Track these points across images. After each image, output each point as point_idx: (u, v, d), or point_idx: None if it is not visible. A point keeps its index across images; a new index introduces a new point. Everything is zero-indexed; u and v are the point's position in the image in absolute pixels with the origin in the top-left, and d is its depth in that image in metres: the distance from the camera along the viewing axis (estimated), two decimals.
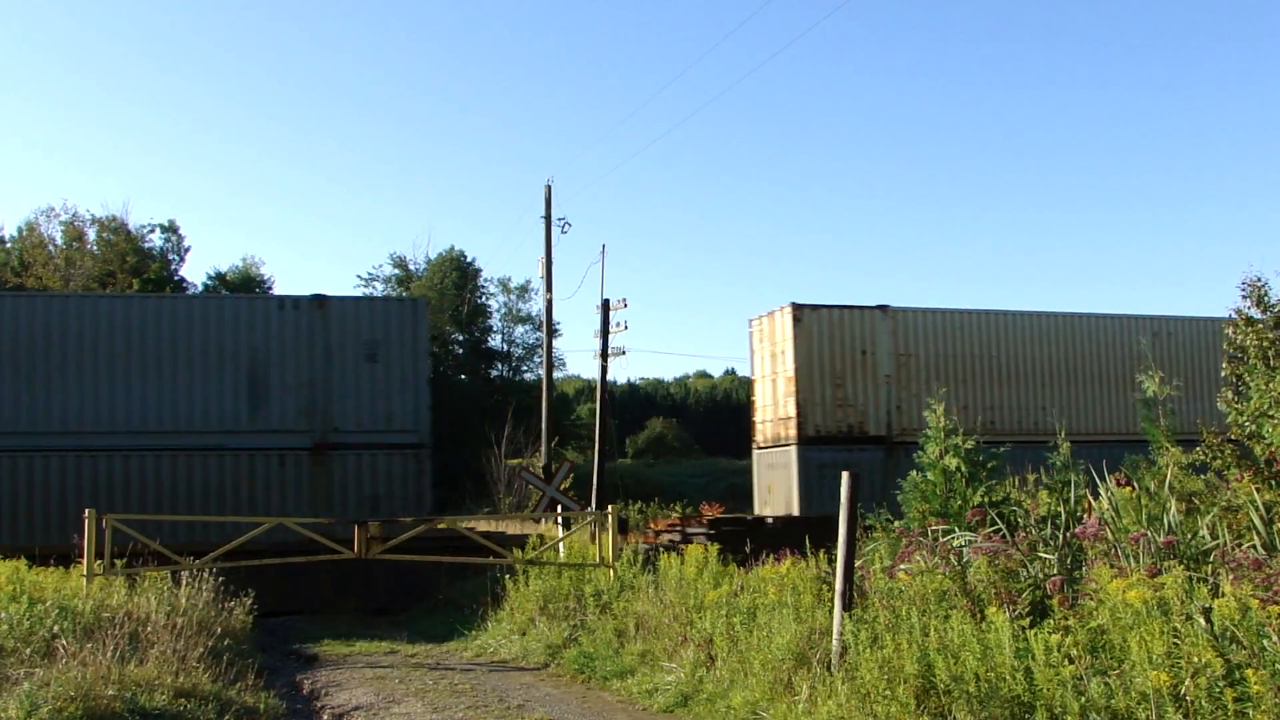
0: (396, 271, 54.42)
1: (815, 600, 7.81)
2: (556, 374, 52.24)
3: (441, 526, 15.65)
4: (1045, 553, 6.80)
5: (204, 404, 17.74)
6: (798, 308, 20.33)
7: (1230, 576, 5.39)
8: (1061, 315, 22.36)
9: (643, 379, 70.19)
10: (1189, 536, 6.67)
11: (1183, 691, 4.74)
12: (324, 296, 18.44)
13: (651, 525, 22.34)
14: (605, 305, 27.13)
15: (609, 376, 28.07)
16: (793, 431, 20.07)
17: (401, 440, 18.21)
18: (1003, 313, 21.95)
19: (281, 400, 18.02)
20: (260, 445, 17.88)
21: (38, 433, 17.23)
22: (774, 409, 20.96)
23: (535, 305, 52.79)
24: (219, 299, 17.80)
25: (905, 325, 21.12)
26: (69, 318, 17.62)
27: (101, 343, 17.56)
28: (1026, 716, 5.31)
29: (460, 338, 52.61)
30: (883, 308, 21.08)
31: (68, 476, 17.17)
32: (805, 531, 10.28)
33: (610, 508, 12.74)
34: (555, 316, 37.68)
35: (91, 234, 41.48)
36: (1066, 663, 5.22)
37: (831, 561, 7.94)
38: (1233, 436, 9.17)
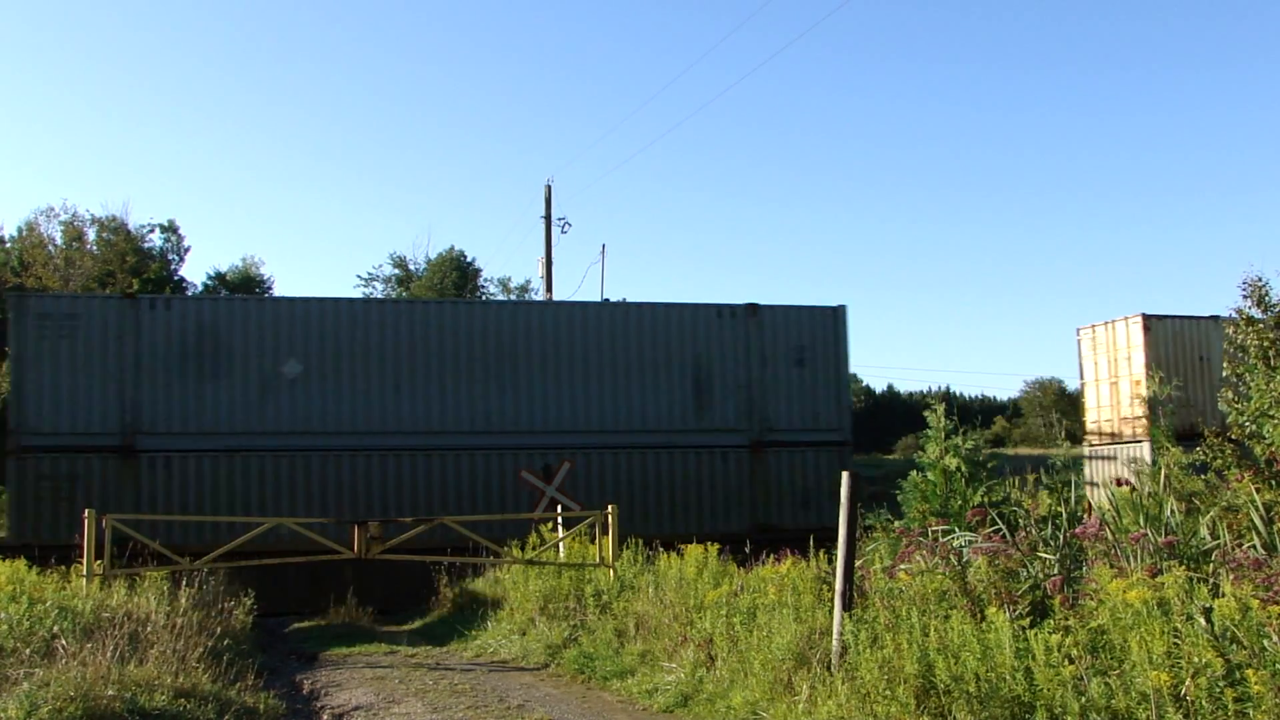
0: (396, 271, 54.37)
1: (815, 600, 7.81)
2: None
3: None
4: (1045, 553, 6.80)
5: (655, 405, 19.11)
6: (1147, 318, 22.42)
7: (1230, 576, 5.39)
8: None
9: None
10: (1189, 536, 6.67)
11: (1183, 691, 4.74)
12: (757, 305, 19.84)
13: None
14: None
15: None
16: (1142, 430, 21.94)
17: (827, 439, 19.61)
18: None
19: (723, 401, 19.43)
20: (705, 443, 19.28)
21: (505, 431, 18.60)
22: (1113, 409, 23.07)
23: None
24: (666, 307, 19.72)
25: None
26: (517, 322, 19.04)
27: (563, 347, 18.93)
28: (1026, 716, 5.31)
29: None
30: (1215, 318, 22.91)
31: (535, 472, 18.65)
32: None
33: (610, 507, 12.73)
34: None
35: (91, 234, 41.41)
36: (1066, 663, 5.22)
37: (831, 561, 7.95)
38: (1233, 436, 9.18)
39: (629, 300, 19.54)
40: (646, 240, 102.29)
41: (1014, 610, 6.02)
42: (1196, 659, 4.75)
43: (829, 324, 19.97)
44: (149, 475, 17.12)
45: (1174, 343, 22.83)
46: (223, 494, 17.26)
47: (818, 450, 19.40)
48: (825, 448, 19.42)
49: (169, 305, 18.00)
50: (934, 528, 8.03)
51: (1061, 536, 6.97)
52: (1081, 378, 24.47)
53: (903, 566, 7.14)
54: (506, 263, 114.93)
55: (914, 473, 9.60)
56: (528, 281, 54.20)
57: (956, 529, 8.04)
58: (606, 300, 19.40)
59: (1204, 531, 6.78)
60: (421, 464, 18.16)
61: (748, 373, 19.45)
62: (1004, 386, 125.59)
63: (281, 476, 17.64)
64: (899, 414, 57.01)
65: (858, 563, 7.60)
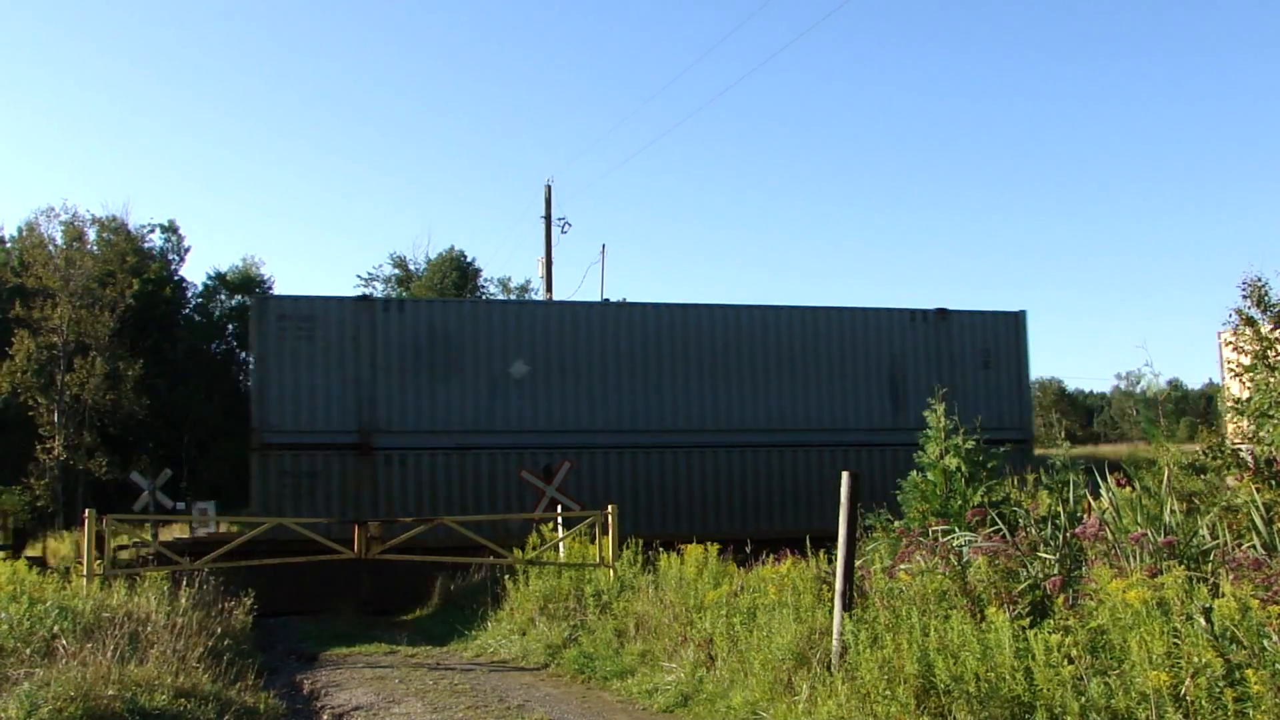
0: (396, 271, 54.39)
1: (815, 600, 7.80)
2: None
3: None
4: (1045, 553, 6.79)
5: (856, 404, 19.99)
6: None
7: (1230, 576, 5.38)
8: None
9: None
10: (1189, 536, 6.67)
11: (1183, 691, 4.73)
12: (946, 310, 20.83)
13: None
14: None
15: None
16: None
17: (1010, 436, 20.27)
18: None
19: (917, 401, 20.78)
20: (901, 441, 20.03)
21: (720, 430, 19.53)
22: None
23: None
24: (864, 312, 21.05)
25: None
26: (729, 325, 19.80)
27: (771, 348, 19.95)
28: (1026, 716, 5.30)
29: None
30: None
31: (758, 467, 19.49)
32: None
33: (610, 507, 12.73)
34: None
35: (91, 234, 41.42)
36: (1066, 663, 5.22)
37: (831, 561, 7.94)
38: (1233, 439, 9.18)
39: (808, 305, 20.75)
40: (646, 240, 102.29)
41: (1014, 610, 6.02)
42: (1196, 659, 4.75)
43: (1011, 328, 21.08)
44: (385, 472, 17.72)
45: None
46: (455, 490, 17.97)
47: (1002, 447, 20.47)
48: (1009, 445, 20.42)
49: (402, 307, 18.87)
50: (934, 528, 8.02)
51: (1061, 536, 6.96)
52: (1223, 379, 25.07)
53: (903, 566, 7.14)
54: (506, 263, 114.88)
55: (914, 473, 9.60)
56: (528, 281, 54.25)
57: (956, 529, 8.02)
58: (812, 306, 20.78)
59: (1204, 531, 6.77)
60: (640, 461, 18.97)
61: (938, 374, 20.35)
62: None
63: (511, 473, 18.28)
64: None
65: (858, 563, 7.59)
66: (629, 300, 20.34)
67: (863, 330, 20.32)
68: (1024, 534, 7.08)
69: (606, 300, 20.52)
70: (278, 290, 50.44)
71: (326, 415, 17.57)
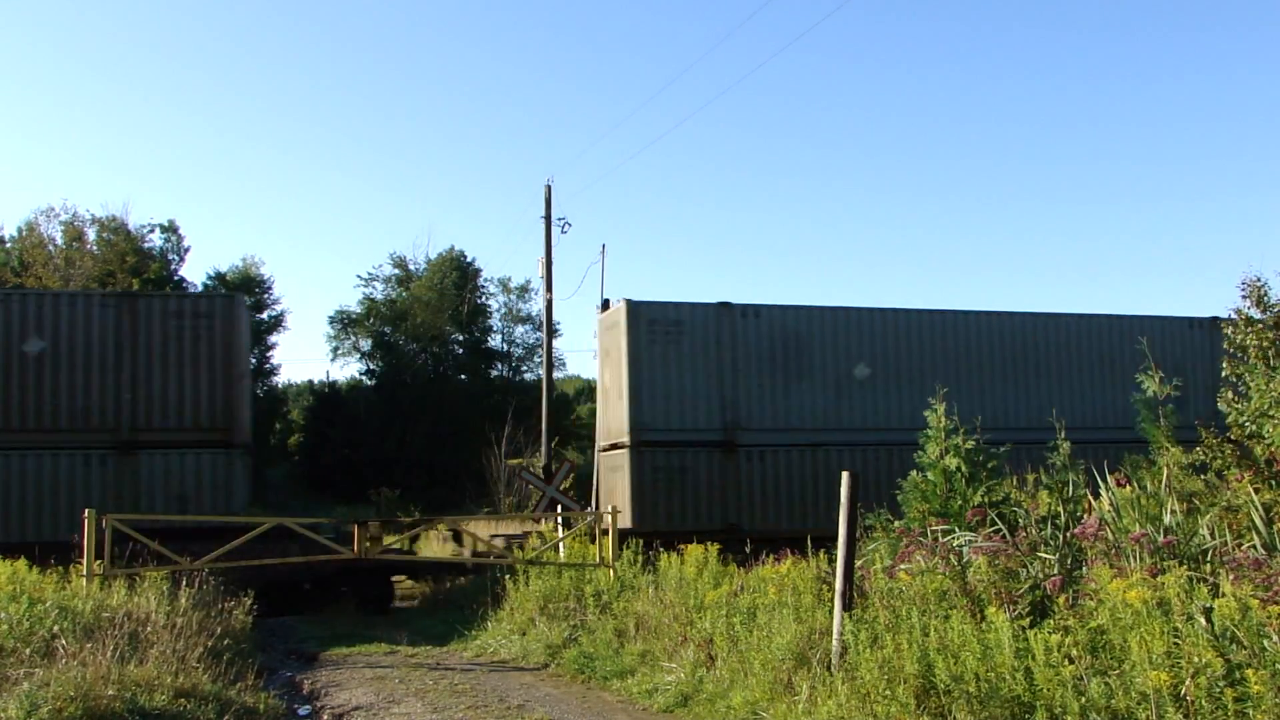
0: (396, 271, 54.36)
1: (815, 600, 7.81)
2: (556, 374, 52.01)
3: (441, 528, 15.73)
4: (1045, 553, 6.80)
5: (1101, 404, 21.08)
6: None
7: (1230, 576, 5.39)
8: None
9: None
10: (1189, 536, 6.67)
11: (1183, 691, 4.74)
12: (1219, 318, 21.55)
13: None
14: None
15: None
16: None
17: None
18: None
19: (1195, 402, 21.91)
20: (1181, 439, 21.16)
21: (1030, 428, 19.88)
22: None
23: (535, 305, 52.52)
24: (1151, 320, 22.61)
25: None
26: (1037, 331, 21.08)
27: (1061, 351, 21.08)
28: (1026, 716, 5.31)
29: (460, 338, 52.47)
30: None
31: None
32: None
33: (610, 507, 12.73)
34: (555, 316, 37.58)
35: (91, 234, 41.40)
36: (1066, 663, 5.22)
37: (831, 561, 7.95)
38: (1233, 436, 9.19)
39: (1104, 313, 21.91)
40: (647, 240, 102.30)
41: (1014, 610, 6.02)
42: (1196, 659, 4.75)
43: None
44: (746, 468, 18.74)
45: None
46: (809, 485, 19.04)
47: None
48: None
49: (758, 313, 19.78)
50: (934, 528, 8.03)
51: (1061, 536, 6.96)
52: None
53: (903, 566, 7.14)
54: (506, 263, 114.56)
55: (914, 473, 9.60)
56: (528, 281, 54.10)
57: (956, 529, 8.03)
58: (1107, 314, 22.15)
59: (1204, 531, 6.77)
60: None
61: (1212, 377, 21.62)
62: None
63: (856, 469, 18.95)
64: None
65: (858, 563, 7.59)
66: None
67: (1106, 334, 21.75)
68: (1024, 534, 7.09)
69: (938, 309, 21.67)
70: (276, 290, 50.63)
71: (694, 414, 18.65)
